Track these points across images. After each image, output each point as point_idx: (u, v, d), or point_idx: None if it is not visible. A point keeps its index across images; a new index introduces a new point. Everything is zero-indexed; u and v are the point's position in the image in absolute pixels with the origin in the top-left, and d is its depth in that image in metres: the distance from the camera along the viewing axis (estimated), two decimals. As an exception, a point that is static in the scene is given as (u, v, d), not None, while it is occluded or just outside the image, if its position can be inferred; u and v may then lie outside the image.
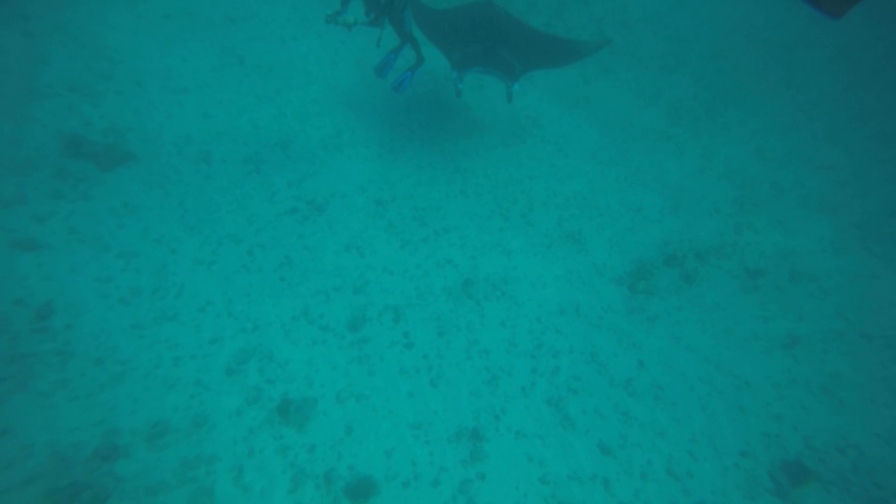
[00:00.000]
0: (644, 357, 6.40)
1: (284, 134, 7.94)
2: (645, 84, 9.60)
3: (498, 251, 7.20)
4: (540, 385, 6.08)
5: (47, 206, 6.35)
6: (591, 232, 7.53)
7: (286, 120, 8.11)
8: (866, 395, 6.13)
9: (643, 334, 6.61)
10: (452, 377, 6.04)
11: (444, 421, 5.70)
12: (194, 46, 8.54)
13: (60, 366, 5.32)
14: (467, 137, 8.45)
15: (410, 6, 6.90)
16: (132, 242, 6.35)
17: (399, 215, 7.37)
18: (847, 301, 7.03)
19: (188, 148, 7.41)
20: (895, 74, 10.01)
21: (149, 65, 8.09)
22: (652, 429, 5.88)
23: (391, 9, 6.53)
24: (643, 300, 6.93)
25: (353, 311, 6.34)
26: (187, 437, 5.14)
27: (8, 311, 5.52)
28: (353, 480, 5.13)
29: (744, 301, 7.05)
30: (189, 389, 5.42)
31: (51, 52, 7.65)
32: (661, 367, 6.35)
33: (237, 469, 5.04)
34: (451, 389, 5.94)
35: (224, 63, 8.51)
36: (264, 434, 5.28)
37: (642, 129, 8.97)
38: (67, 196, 6.50)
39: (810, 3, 2.94)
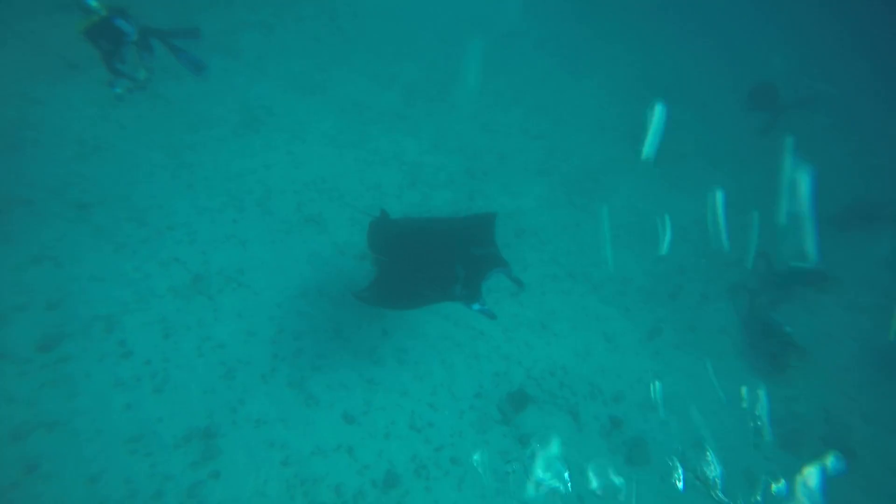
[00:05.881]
0: (388, 325, 6.59)
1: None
2: (380, 69, 9.97)
3: (232, 242, 6.85)
4: (282, 370, 5.92)
5: None
6: (332, 214, 7.53)
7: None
8: (570, 323, 7.10)
9: (388, 303, 6.80)
10: (181, 379, 5.60)
11: (171, 427, 5.25)
12: None
13: None
14: (193, 132, 7.88)
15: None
16: None
17: (111, 218, 6.59)
18: (559, 248, 8.06)
19: None
20: (587, 59, 11.91)
21: None
22: (395, 390, 6.09)
23: (120, 43, 6.11)
24: (387, 272, 7.14)
25: (45, 329, 5.50)
26: None
27: None
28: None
29: (477, 261, 7.66)
30: None
31: None
32: (405, 331, 6.60)
33: None
34: (179, 392, 5.50)
35: None
36: None
37: (380, 112, 9.28)
38: None
39: None
